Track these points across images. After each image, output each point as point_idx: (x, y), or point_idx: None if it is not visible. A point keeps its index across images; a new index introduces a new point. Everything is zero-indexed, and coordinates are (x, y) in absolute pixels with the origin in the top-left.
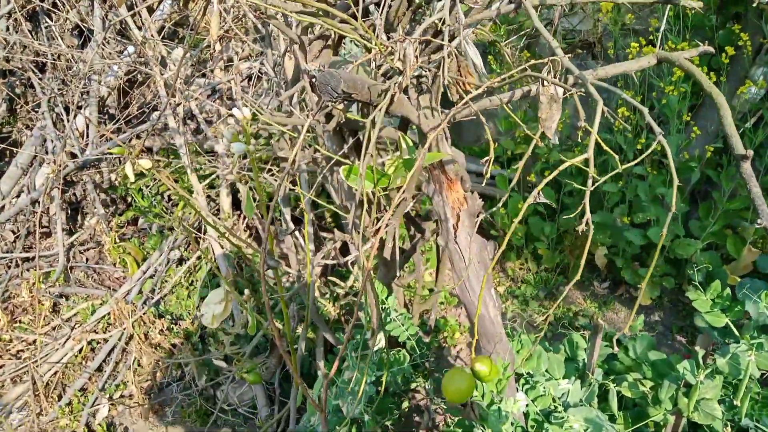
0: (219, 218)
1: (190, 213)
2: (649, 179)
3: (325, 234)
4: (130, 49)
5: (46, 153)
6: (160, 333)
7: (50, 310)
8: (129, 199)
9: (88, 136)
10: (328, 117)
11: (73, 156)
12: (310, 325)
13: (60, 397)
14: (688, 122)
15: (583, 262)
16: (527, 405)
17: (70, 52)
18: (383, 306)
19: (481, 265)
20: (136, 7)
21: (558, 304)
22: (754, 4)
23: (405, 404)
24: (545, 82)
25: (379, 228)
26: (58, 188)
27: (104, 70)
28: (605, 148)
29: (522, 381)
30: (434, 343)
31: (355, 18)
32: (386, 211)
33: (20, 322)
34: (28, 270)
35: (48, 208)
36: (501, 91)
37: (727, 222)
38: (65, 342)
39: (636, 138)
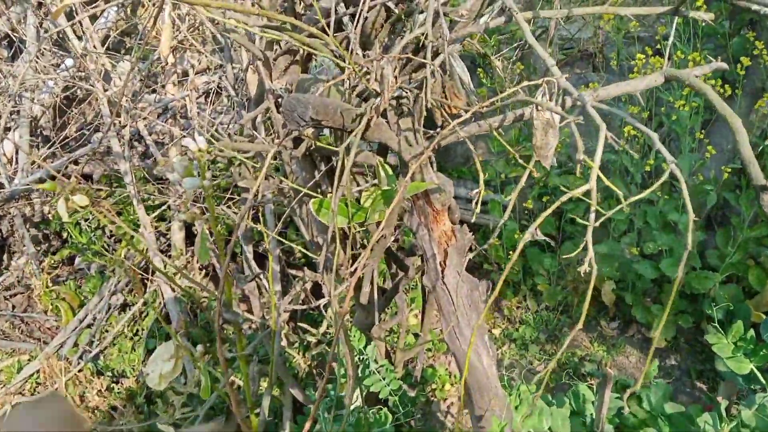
0: (170, 256)
1: (135, 251)
2: (660, 204)
3: (294, 272)
4: (69, 62)
5: None
6: (98, 394)
7: None
8: (64, 235)
9: (17, 163)
10: (297, 141)
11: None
12: (276, 381)
13: None
14: (701, 140)
15: (587, 300)
16: None
17: None
18: (361, 356)
19: (473, 308)
20: (77, 15)
21: (562, 351)
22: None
23: None
24: (539, 107)
25: (356, 268)
26: None
27: (38, 86)
28: (607, 182)
29: None
30: (421, 397)
31: (327, 32)
32: (364, 247)
33: None
34: None
35: None
36: (491, 114)
37: (748, 251)
38: None
39: (644, 159)
